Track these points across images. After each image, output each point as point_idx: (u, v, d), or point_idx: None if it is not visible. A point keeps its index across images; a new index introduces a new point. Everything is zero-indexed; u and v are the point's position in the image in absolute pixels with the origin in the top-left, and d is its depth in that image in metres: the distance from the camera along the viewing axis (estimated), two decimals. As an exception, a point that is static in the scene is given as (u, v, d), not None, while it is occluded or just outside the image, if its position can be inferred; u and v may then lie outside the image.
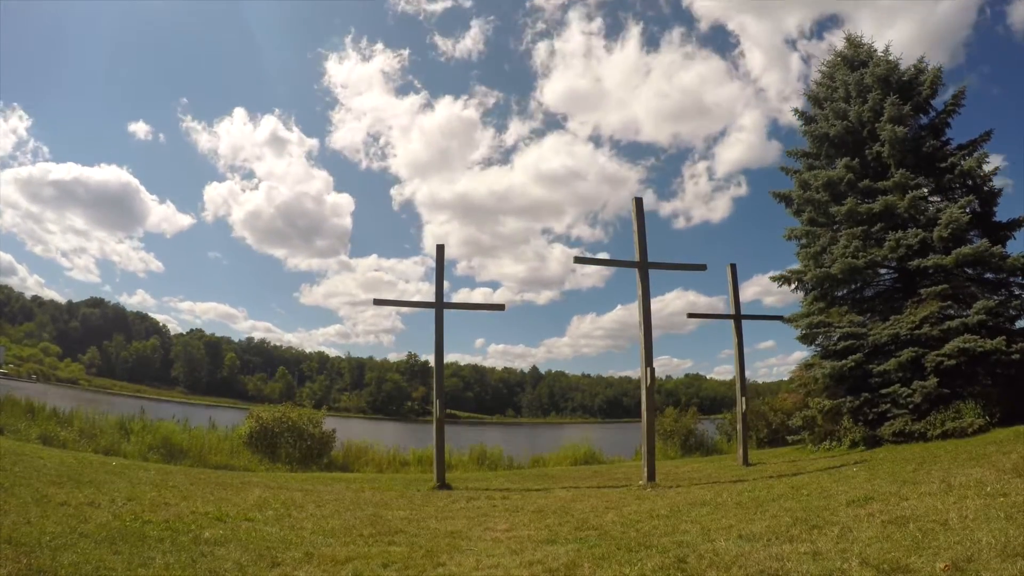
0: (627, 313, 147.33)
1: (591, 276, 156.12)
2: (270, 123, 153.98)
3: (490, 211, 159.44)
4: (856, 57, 15.48)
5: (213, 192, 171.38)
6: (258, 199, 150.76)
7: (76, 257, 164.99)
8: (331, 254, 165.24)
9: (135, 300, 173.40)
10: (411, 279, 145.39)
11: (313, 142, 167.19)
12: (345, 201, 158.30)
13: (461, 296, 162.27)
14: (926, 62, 14.61)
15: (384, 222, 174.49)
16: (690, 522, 5.88)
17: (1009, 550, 3.75)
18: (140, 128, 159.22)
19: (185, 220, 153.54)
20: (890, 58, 14.77)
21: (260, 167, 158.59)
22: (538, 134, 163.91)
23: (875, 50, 15.31)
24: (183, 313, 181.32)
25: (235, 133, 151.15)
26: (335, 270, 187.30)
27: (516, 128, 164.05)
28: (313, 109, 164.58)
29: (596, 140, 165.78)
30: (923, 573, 3.65)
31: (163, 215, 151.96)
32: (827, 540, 4.54)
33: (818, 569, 3.88)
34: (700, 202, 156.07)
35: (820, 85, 16.11)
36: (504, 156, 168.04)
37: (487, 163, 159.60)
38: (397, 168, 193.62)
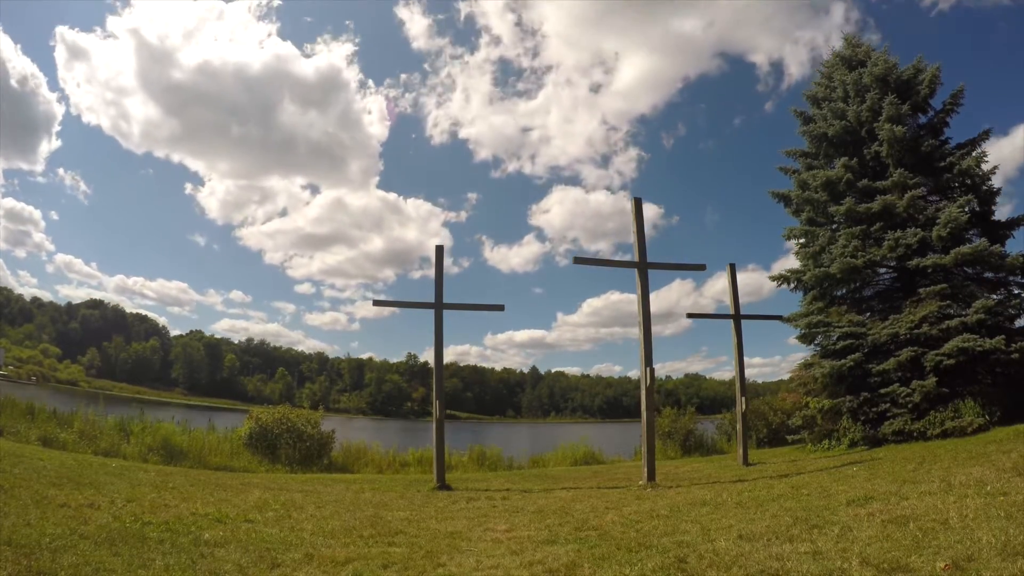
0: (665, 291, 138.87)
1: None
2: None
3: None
4: (854, 57, 15.48)
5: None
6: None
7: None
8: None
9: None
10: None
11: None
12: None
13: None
14: (925, 61, 14.64)
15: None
16: (690, 522, 5.88)
17: (1009, 549, 3.76)
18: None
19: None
20: (888, 57, 14.78)
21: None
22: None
23: (873, 50, 15.33)
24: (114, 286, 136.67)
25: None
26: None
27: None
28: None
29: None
30: (923, 572, 3.64)
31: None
32: (827, 540, 4.54)
33: (818, 569, 3.88)
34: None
35: (818, 85, 16.10)
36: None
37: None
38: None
